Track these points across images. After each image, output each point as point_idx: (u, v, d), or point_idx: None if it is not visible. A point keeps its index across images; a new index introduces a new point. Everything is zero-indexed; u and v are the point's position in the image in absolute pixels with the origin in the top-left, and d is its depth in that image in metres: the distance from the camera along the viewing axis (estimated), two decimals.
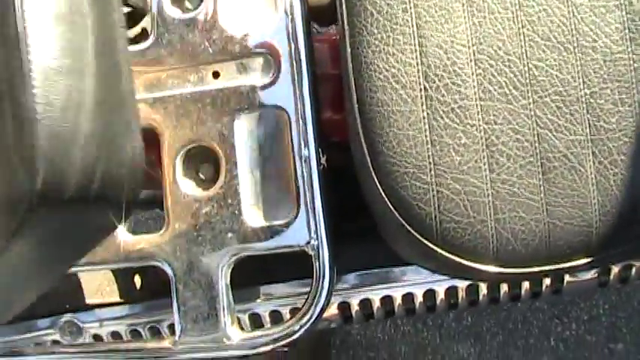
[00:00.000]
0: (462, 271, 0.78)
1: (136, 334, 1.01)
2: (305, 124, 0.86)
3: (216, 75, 0.89)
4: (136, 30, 0.95)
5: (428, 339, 1.63)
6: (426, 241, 0.76)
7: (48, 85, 0.60)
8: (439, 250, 0.76)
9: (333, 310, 0.98)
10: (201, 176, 0.90)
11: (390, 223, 0.78)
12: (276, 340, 0.87)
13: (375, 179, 0.77)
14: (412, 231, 0.76)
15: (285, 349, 1.36)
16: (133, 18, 0.95)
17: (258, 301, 0.98)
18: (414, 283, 0.96)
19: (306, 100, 0.86)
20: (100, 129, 0.65)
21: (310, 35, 0.88)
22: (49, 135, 0.60)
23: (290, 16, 0.87)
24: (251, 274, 0.96)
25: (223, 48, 0.88)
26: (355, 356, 1.65)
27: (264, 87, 0.87)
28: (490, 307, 1.61)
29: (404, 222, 0.76)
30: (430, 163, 0.76)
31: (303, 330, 0.86)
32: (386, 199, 0.76)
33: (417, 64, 0.76)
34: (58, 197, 0.61)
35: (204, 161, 0.89)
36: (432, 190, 0.75)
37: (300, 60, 0.86)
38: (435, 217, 0.76)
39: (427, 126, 0.76)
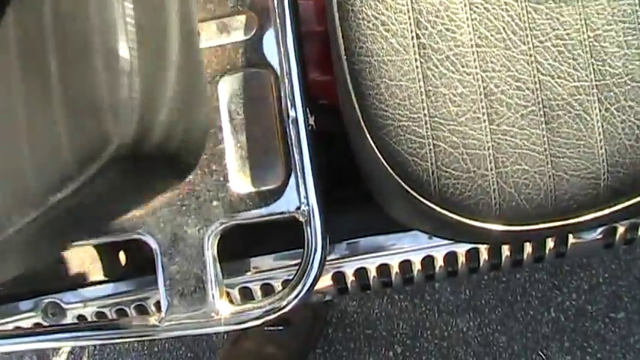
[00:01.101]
0: (463, 230, 0.73)
1: (122, 314, 0.97)
2: (291, 83, 0.81)
3: None
4: None
5: (426, 314, 1.59)
6: (423, 200, 0.71)
7: (143, 39, 0.59)
8: (438, 209, 0.72)
9: (327, 281, 0.93)
10: None
11: (385, 183, 0.73)
12: (267, 313, 0.82)
13: (367, 135, 0.72)
14: (408, 189, 0.71)
15: (280, 327, 1.32)
16: None
17: (249, 273, 0.93)
18: (411, 249, 0.91)
19: (292, 58, 0.81)
20: (182, 90, 0.64)
21: None
22: (143, 90, 0.58)
23: None
24: (241, 246, 0.92)
25: (202, 6, 0.84)
26: (353, 333, 1.61)
27: (246, 46, 0.83)
28: (488, 279, 1.57)
29: (399, 179, 0.71)
30: (425, 115, 0.71)
31: (295, 302, 0.82)
32: (379, 155, 0.71)
33: (408, 11, 0.71)
34: (140, 152, 0.60)
35: None
36: (429, 144, 0.71)
37: (285, 15, 0.81)
38: (433, 172, 0.71)
39: (421, 75, 0.71)
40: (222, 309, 0.82)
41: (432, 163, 0.71)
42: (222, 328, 0.83)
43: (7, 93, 0.61)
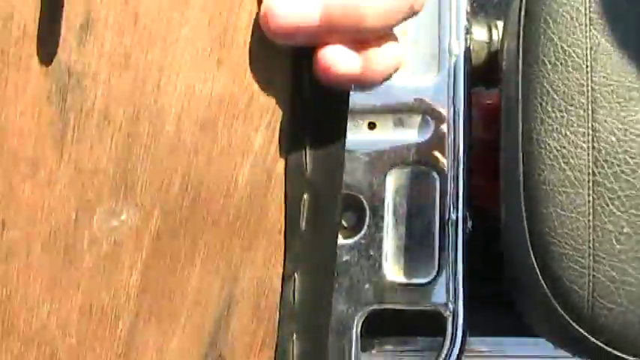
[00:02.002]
0: (605, 358, 0.77)
1: None
2: (457, 187, 0.87)
3: (372, 126, 0.90)
4: None
5: None
6: (573, 323, 0.76)
7: None
8: (585, 334, 0.76)
9: None
10: (344, 224, 0.91)
11: (537, 299, 0.78)
12: None
13: (532, 254, 0.77)
14: (561, 310, 0.76)
15: None
16: None
17: (376, 351, 0.98)
18: (536, 355, 0.96)
19: (461, 164, 0.87)
20: None
21: (470, 99, 0.89)
22: None
23: (453, 77, 0.88)
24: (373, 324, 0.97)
25: (382, 100, 0.90)
26: None
27: (419, 145, 0.88)
28: None
29: (554, 300, 0.76)
30: (590, 247, 0.76)
31: None
32: (539, 275, 0.77)
33: (588, 148, 0.77)
34: None
35: (349, 210, 0.90)
36: (589, 275, 0.76)
37: (459, 122, 0.87)
38: (588, 301, 0.76)
39: (591, 210, 0.76)
40: None
41: (589, 293, 0.75)
42: None
43: None
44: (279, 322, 0.54)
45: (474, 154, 0.91)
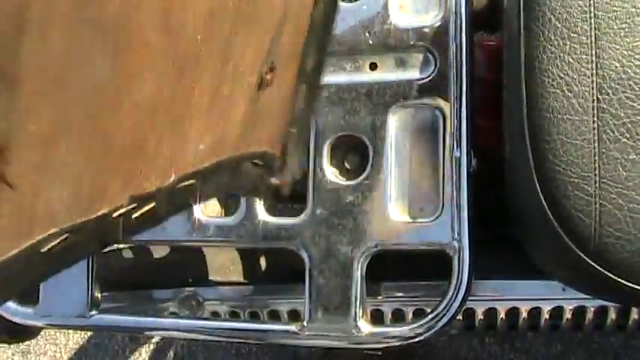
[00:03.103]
0: (613, 289, 0.76)
1: (254, 316, 1.02)
2: (460, 124, 0.86)
3: (373, 67, 0.89)
4: None
5: None
6: (580, 253, 0.75)
7: None
8: (593, 264, 0.75)
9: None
10: (347, 166, 0.90)
11: (544, 231, 0.77)
12: (406, 339, 0.86)
13: (537, 185, 0.76)
14: (568, 240, 0.75)
15: (379, 353, 1.36)
16: None
17: (381, 297, 0.98)
18: (544, 298, 0.94)
19: (464, 100, 0.85)
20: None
21: (472, 36, 0.88)
22: None
23: (455, 15, 0.87)
24: (381, 269, 0.96)
25: (383, 40, 0.88)
26: None
27: (421, 83, 0.87)
28: (583, 337, 1.58)
29: (561, 231, 0.75)
30: (596, 175, 0.74)
31: (434, 330, 0.85)
32: (545, 205, 0.75)
33: (592, 75, 0.75)
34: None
35: (352, 151, 0.89)
36: (595, 203, 0.74)
37: (462, 60, 0.86)
38: (595, 229, 0.74)
39: (596, 137, 0.75)
40: (363, 328, 0.86)
41: (595, 221, 0.74)
42: (357, 346, 0.87)
43: None
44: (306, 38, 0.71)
45: (478, 95, 0.90)
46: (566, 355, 1.59)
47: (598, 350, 1.58)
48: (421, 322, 0.85)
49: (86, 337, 1.90)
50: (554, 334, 1.58)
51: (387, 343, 0.87)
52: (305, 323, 0.88)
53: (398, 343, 0.87)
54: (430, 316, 0.86)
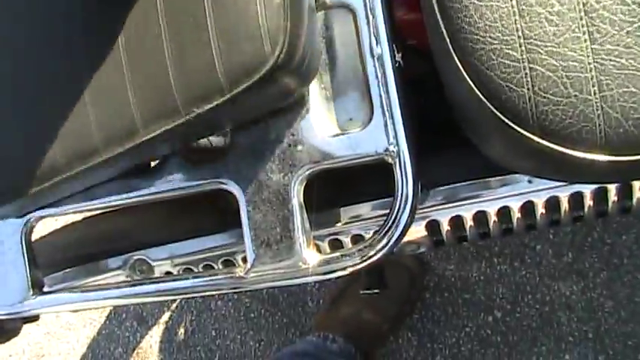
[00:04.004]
0: (564, 163, 0.67)
1: (209, 269, 0.94)
2: (375, 18, 0.77)
3: None
4: None
5: (526, 278, 1.52)
6: (520, 129, 0.66)
7: None
8: (536, 139, 0.66)
9: (420, 231, 0.89)
10: None
11: (478, 114, 0.68)
12: (356, 262, 0.78)
13: (457, 62, 0.67)
14: (504, 118, 0.66)
15: (377, 291, 1.28)
16: None
17: (338, 224, 0.89)
18: (510, 195, 0.86)
19: None
20: (309, 17, 0.73)
21: None
22: (293, 15, 0.69)
23: None
24: (331, 196, 0.88)
25: None
26: (450, 298, 1.55)
27: None
28: (592, 241, 1.49)
29: (493, 108, 0.66)
30: (519, 37, 0.65)
31: (386, 249, 0.77)
32: (471, 82, 0.66)
33: None
34: (287, 68, 0.70)
35: None
36: (524, 68, 0.65)
37: None
38: (530, 99, 0.65)
39: None
40: (310, 258, 0.79)
41: (528, 89, 0.65)
42: (310, 279, 0.79)
43: (155, 24, 0.72)
44: None
45: None
46: (578, 261, 1.50)
47: (610, 251, 1.49)
48: (372, 240, 0.77)
49: (95, 330, 1.86)
50: (563, 242, 1.50)
51: (340, 270, 0.79)
52: (249, 265, 0.80)
53: (352, 269, 0.79)
54: (383, 232, 0.78)
